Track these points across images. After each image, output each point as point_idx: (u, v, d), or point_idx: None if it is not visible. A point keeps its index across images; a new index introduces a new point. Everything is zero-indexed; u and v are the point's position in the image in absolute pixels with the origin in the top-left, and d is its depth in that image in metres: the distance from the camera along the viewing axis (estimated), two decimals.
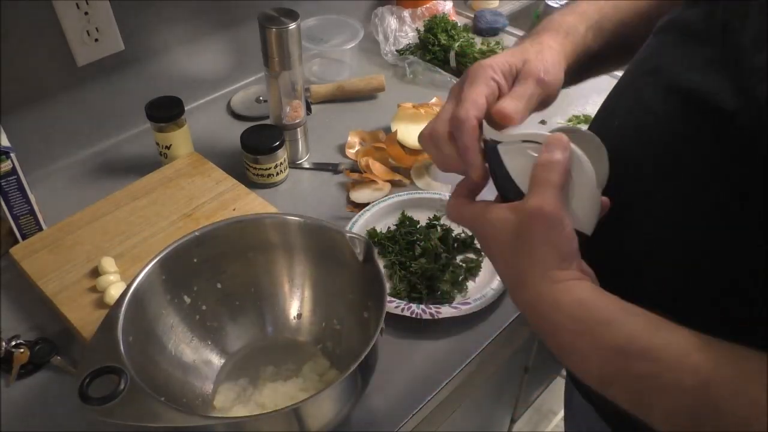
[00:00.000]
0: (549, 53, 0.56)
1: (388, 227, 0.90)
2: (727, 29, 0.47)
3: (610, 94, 0.59)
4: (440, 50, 1.23)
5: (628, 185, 0.52)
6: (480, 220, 0.51)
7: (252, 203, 0.92)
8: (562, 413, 1.19)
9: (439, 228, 0.88)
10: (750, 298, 0.45)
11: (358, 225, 0.88)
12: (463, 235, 0.88)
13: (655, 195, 0.50)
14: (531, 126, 0.52)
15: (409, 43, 1.29)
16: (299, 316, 0.76)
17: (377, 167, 0.98)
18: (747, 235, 0.44)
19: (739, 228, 0.45)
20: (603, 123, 0.58)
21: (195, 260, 0.70)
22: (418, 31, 1.29)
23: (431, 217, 0.90)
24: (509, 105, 0.51)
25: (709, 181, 0.46)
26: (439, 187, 0.98)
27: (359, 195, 0.96)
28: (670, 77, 0.50)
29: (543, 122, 1.09)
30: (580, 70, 0.61)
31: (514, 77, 0.55)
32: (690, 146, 0.47)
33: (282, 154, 0.97)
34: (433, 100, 1.13)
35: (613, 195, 0.53)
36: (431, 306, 0.78)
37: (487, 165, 0.52)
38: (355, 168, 1.01)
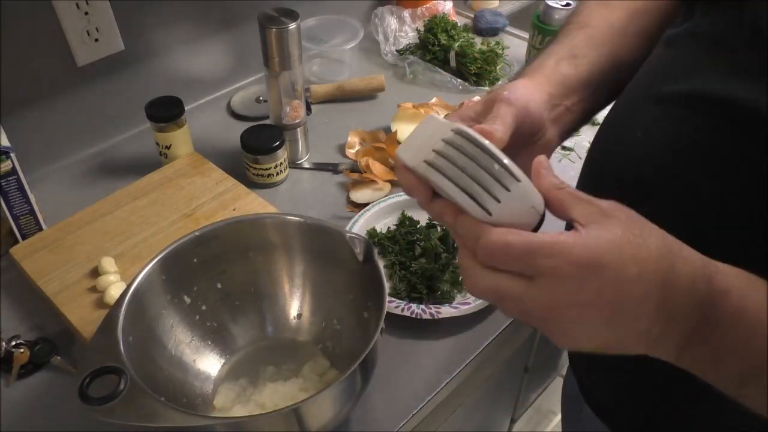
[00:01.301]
0: (512, 84, 0.55)
1: (388, 227, 0.90)
2: (759, 33, 0.45)
3: (622, 107, 0.58)
4: (440, 50, 1.23)
5: (659, 196, 0.51)
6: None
7: (252, 203, 0.92)
8: None
9: (439, 228, 0.88)
10: None
11: (358, 225, 0.88)
12: None
13: (690, 204, 0.49)
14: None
15: (409, 43, 1.29)
16: (299, 316, 0.76)
17: (377, 167, 0.98)
18: None
19: None
20: (622, 135, 0.56)
21: (195, 260, 0.70)
22: (418, 31, 1.29)
23: (431, 217, 0.90)
24: (482, 126, 0.48)
25: (754, 190, 0.45)
26: None
27: (359, 195, 0.96)
28: (700, 88, 0.48)
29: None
30: (574, 97, 0.59)
31: (477, 120, 0.53)
32: (732, 155, 0.46)
33: (282, 154, 0.97)
34: (433, 100, 1.13)
35: (642, 206, 0.51)
36: (431, 306, 0.78)
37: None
38: (355, 168, 1.01)
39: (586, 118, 0.61)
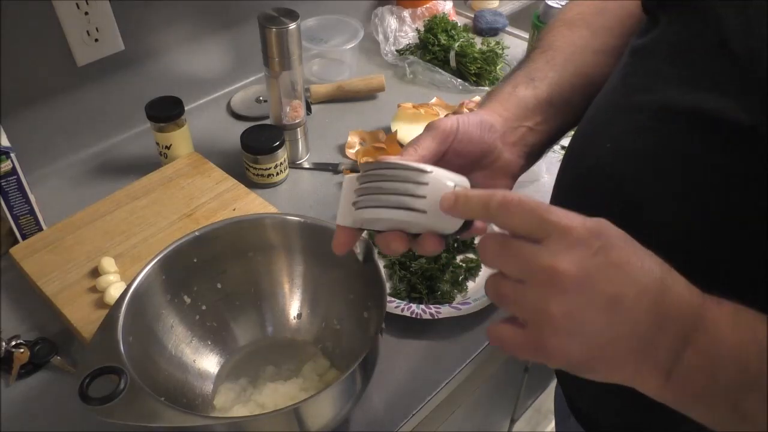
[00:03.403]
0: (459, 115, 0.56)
1: None
2: (723, 44, 0.45)
3: (591, 117, 0.57)
4: (440, 50, 1.23)
5: (630, 208, 0.50)
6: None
7: (252, 203, 0.92)
8: None
9: None
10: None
11: None
12: None
13: (663, 215, 0.48)
14: None
15: (409, 43, 1.29)
16: (299, 316, 0.76)
17: None
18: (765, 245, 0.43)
19: (757, 238, 0.44)
20: (591, 145, 0.55)
21: (195, 260, 0.70)
22: (418, 31, 1.29)
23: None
24: (388, 156, 0.51)
25: (727, 196, 0.45)
26: None
27: None
28: (668, 98, 0.48)
29: None
30: (536, 118, 0.59)
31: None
32: (703, 165, 0.46)
33: (282, 154, 0.97)
34: (433, 100, 1.13)
35: (615, 220, 0.51)
36: (431, 306, 0.78)
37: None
38: (355, 168, 1.01)
39: (556, 136, 0.62)
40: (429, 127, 0.52)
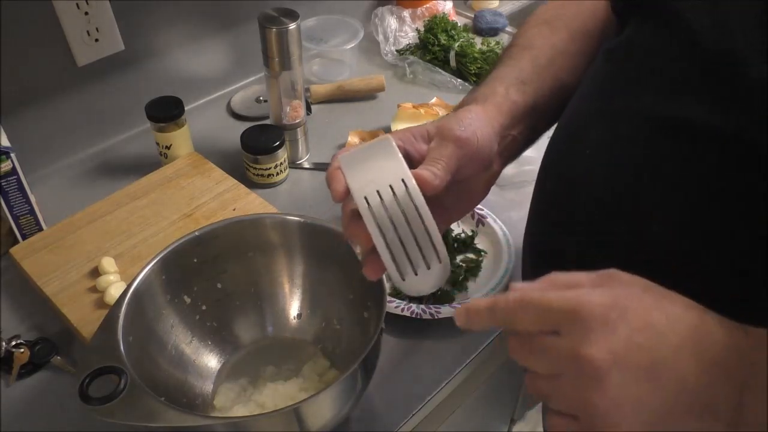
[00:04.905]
0: (465, 113, 0.54)
1: None
2: (699, 43, 0.44)
3: (568, 122, 0.57)
4: (440, 50, 1.23)
5: (613, 216, 0.49)
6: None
7: (252, 203, 0.92)
8: None
9: None
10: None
11: None
12: (462, 235, 0.88)
13: (643, 223, 0.47)
14: None
15: (409, 43, 1.29)
16: (299, 316, 0.76)
17: None
18: (753, 249, 0.42)
19: (743, 244, 0.43)
20: (570, 152, 0.55)
21: (195, 260, 0.70)
22: (418, 31, 1.29)
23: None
24: (423, 173, 0.48)
25: (711, 202, 0.44)
26: None
27: None
28: (645, 105, 0.48)
29: None
30: (521, 125, 0.58)
31: (428, 141, 0.53)
32: (683, 173, 0.45)
33: (282, 154, 0.97)
34: (433, 100, 1.13)
35: (597, 229, 0.50)
36: (431, 306, 0.78)
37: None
38: None
39: (529, 143, 0.61)
40: (451, 138, 0.51)
